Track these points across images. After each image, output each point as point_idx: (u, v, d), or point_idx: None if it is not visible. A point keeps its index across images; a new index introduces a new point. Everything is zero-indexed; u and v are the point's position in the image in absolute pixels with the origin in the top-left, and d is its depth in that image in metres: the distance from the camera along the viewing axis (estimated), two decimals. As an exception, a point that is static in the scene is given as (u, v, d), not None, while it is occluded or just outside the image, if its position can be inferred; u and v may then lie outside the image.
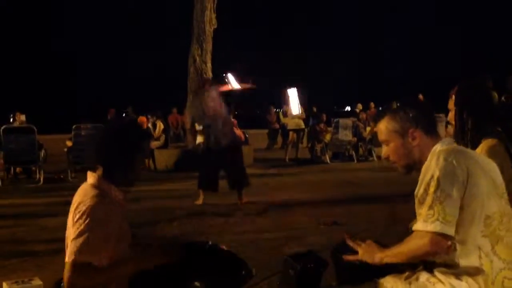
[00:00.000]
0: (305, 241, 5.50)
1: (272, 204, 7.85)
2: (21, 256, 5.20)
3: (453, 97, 3.14)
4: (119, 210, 2.27)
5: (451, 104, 3.16)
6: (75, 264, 2.11)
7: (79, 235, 2.13)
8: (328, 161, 14.83)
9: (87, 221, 2.14)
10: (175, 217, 6.94)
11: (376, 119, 2.36)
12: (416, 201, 2.16)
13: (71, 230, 2.21)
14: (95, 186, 2.28)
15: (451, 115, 3.16)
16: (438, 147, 2.22)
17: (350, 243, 2.40)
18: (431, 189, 2.06)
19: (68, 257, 2.14)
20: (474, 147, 2.98)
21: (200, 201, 7.96)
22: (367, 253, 2.26)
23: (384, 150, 2.36)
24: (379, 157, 14.22)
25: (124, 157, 2.30)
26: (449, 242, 2.04)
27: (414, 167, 2.31)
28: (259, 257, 4.84)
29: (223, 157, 7.78)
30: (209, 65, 14.24)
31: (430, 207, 2.04)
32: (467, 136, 3.04)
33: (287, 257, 4.11)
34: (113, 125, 2.44)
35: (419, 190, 2.14)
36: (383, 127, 2.31)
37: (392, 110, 2.30)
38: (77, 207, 2.21)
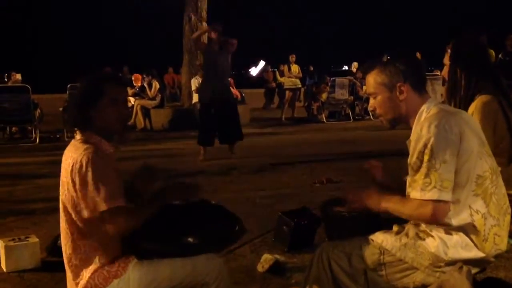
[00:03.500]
0: (300, 199, 5.51)
1: (268, 163, 7.88)
2: (17, 214, 5.24)
3: (449, 51, 3.11)
4: (112, 164, 2.26)
5: (446, 59, 3.12)
6: (111, 212, 2.10)
7: (95, 186, 2.11)
8: (325, 120, 14.83)
9: (93, 171, 2.12)
10: (171, 176, 6.96)
11: (365, 71, 2.32)
12: (410, 168, 2.15)
13: (70, 188, 2.18)
14: (85, 141, 2.26)
15: (445, 70, 3.13)
16: (424, 108, 2.20)
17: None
18: (426, 158, 2.05)
19: (101, 208, 2.10)
20: (467, 103, 2.96)
21: (201, 157, 8.20)
22: (372, 199, 2.25)
23: (371, 103, 2.33)
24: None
25: (90, 107, 2.28)
26: (448, 207, 2.05)
27: (399, 121, 2.29)
28: (255, 215, 4.89)
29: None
30: (204, 23, 14.01)
31: (427, 175, 2.03)
32: (459, 93, 3.02)
33: (281, 214, 4.16)
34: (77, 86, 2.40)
35: (412, 159, 2.12)
36: (372, 79, 2.27)
37: (382, 63, 2.26)
38: (73, 164, 2.16)
